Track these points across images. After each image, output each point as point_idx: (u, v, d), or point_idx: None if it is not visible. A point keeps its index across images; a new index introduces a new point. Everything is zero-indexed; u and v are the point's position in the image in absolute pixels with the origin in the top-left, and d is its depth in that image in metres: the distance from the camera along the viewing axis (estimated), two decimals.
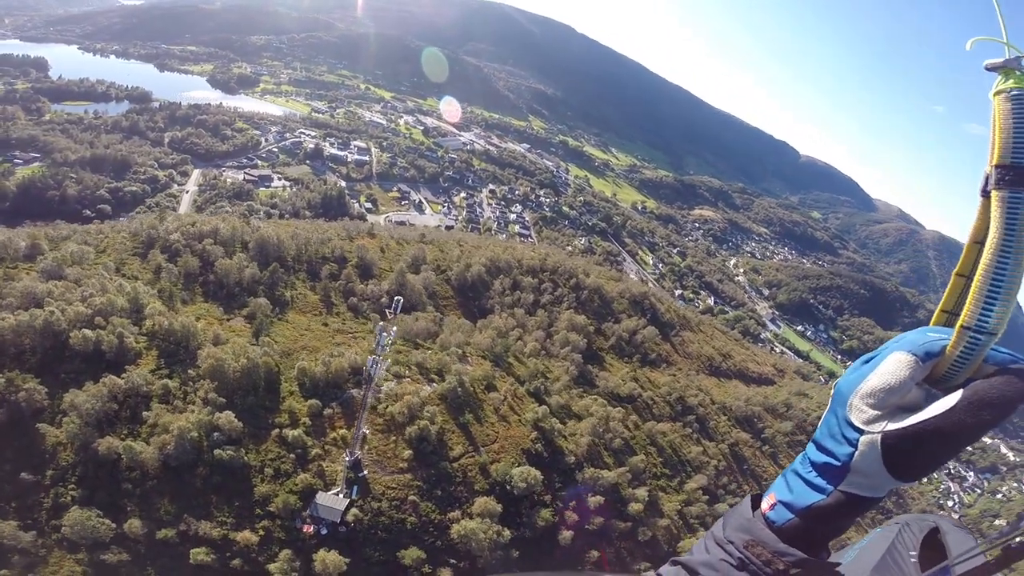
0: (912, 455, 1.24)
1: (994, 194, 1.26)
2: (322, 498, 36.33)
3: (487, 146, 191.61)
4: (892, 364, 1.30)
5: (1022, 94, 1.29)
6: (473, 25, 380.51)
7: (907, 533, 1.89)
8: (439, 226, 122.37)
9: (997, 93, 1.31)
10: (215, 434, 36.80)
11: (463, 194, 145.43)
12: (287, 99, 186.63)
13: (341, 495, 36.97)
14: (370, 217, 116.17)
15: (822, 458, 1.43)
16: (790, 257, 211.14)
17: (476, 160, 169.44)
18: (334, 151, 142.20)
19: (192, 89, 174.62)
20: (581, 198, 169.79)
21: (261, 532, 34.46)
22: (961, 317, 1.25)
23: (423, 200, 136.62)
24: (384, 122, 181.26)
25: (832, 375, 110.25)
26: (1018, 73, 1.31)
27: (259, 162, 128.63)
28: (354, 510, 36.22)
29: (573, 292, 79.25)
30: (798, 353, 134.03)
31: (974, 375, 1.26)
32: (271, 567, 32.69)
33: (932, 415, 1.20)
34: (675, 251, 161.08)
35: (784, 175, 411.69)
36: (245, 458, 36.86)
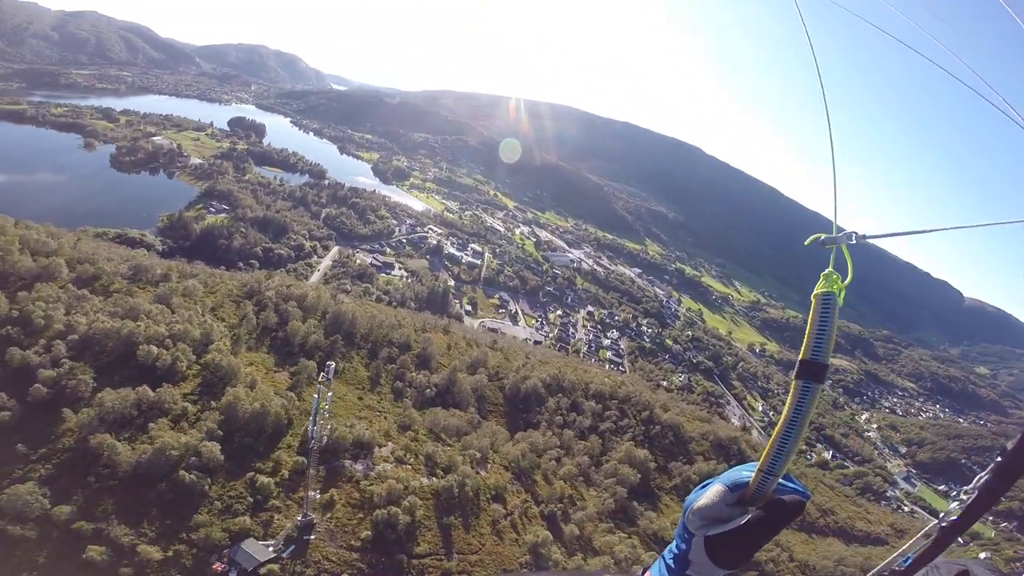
0: (725, 551, 1.87)
1: (794, 382, 1.79)
2: (248, 544, 38.19)
3: (595, 266, 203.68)
4: (712, 491, 1.93)
5: (828, 298, 1.73)
6: (597, 142, 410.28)
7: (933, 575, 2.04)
8: (527, 339, 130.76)
9: (815, 295, 1.78)
10: (193, 458, 41.41)
11: (559, 311, 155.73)
12: (428, 195, 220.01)
13: (271, 548, 38.70)
14: (467, 319, 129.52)
15: (676, 550, 2.08)
16: (941, 415, 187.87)
17: (580, 279, 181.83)
18: (452, 250, 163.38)
19: (358, 174, 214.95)
20: (689, 332, 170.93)
21: (169, 553, 36.79)
22: (760, 462, 1.81)
23: (519, 311, 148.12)
24: (502, 229, 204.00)
25: (976, 537, 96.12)
26: (835, 277, 1.76)
27: (388, 249, 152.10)
28: (274, 567, 37.88)
29: (642, 425, 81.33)
30: (933, 513, 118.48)
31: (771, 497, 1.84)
32: None
33: (733, 526, 1.82)
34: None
35: (943, 322, 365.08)
36: (207, 487, 40.59)
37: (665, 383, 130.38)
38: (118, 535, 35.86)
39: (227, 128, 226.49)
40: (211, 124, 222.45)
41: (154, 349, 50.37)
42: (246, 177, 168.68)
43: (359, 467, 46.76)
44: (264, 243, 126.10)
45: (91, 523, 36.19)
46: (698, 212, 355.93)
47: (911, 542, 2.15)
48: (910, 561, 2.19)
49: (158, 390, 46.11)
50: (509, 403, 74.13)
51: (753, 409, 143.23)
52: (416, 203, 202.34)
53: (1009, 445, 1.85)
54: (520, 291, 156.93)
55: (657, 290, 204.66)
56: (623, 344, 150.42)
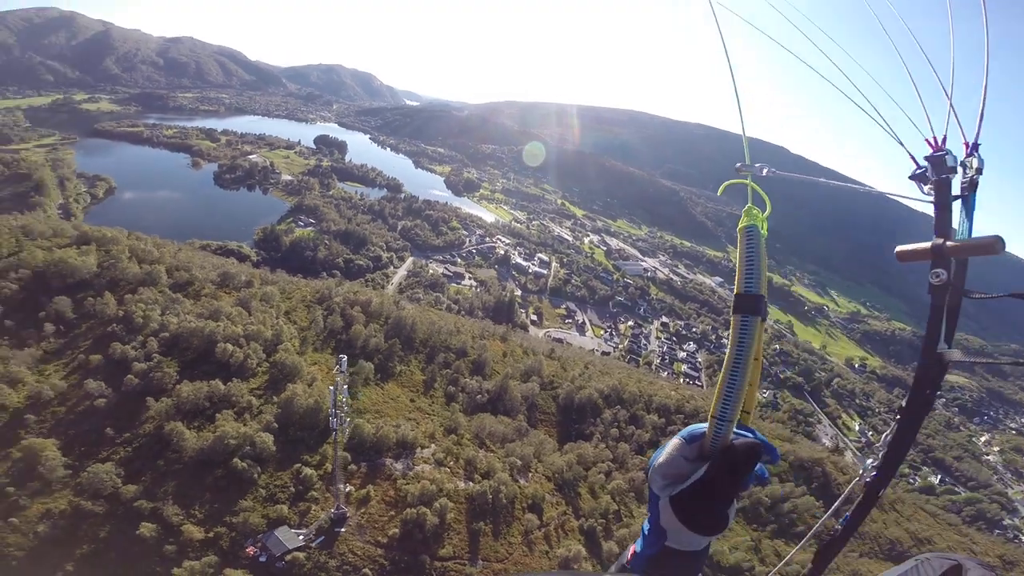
0: (691, 510, 1.80)
1: (732, 318, 1.81)
2: (281, 531, 40.64)
3: (671, 275, 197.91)
4: (669, 446, 1.89)
5: (752, 230, 1.85)
6: (671, 146, 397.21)
7: (925, 569, 1.92)
8: (594, 350, 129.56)
9: (739, 230, 1.88)
10: (247, 447, 45.29)
11: (630, 322, 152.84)
12: (496, 206, 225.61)
13: (301, 537, 40.98)
14: (532, 329, 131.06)
15: (650, 520, 2.03)
16: None
17: (654, 288, 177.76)
18: (519, 260, 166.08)
19: (432, 186, 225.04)
20: (777, 346, 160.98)
21: (210, 534, 40.00)
22: (711, 410, 1.77)
23: (587, 321, 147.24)
24: (570, 238, 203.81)
25: None
26: (756, 210, 1.88)
27: (458, 259, 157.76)
28: (301, 555, 39.92)
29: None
30: None
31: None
32: (186, 565, 37.55)
33: (694, 480, 1.78)
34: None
35: None
36: (256, 475, 44.10)
37: None
38: (170, 514, 39.98)
39: (313, 146, 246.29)
40: (299, 142, 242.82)
41: (230, 347, 56.40)
42: (330, 192, 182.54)
43: (399, 466, 48.93)
44: (346, 254, 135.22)
45: (151, 502, 40.63)
46: (787, 216, 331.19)
47: (840, 500, 2.50)
48: (848, 519, 2.34)
49: (228, 384, 51.48)
50: (562, 413, 73.83)
51: (848, 429, 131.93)
52: (485, 214, 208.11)
53: (904, 403, 2.09)
54: (588, 301, 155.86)
55: None
56: (700, 357, 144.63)
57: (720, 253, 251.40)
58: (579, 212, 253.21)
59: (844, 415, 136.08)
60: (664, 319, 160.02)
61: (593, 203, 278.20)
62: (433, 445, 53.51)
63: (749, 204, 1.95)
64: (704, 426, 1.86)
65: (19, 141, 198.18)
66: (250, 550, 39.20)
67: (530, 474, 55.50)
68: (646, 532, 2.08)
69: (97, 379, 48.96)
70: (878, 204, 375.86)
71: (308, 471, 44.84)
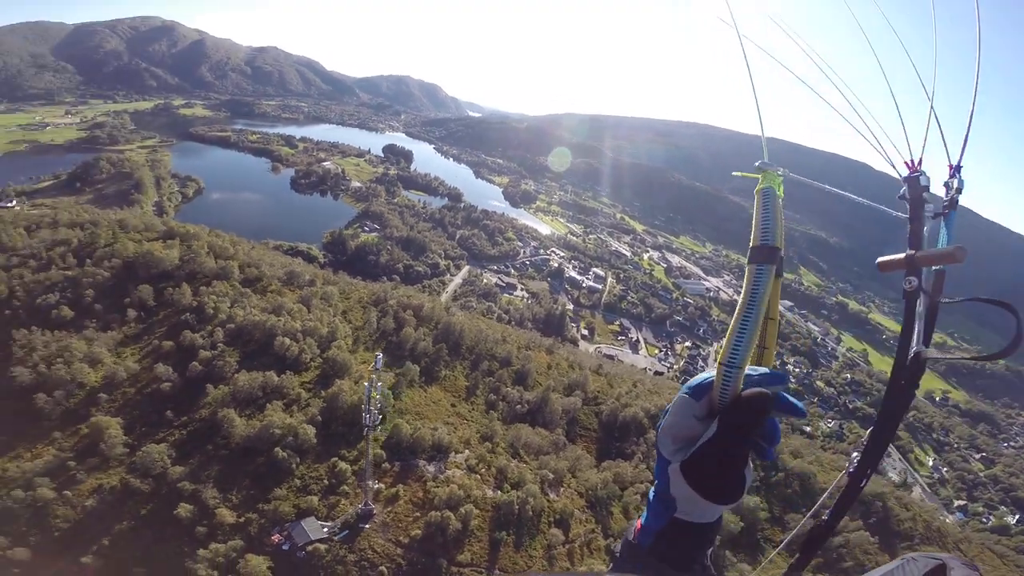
0: (705, 475, 1.65)
1: (748, 267, 1.87)
2: (308, 522, 41.72)
3: (735, 296, 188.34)
4: (675, 404, 1.76)
5: (768, 191, 1.99)
6: (742, 161, 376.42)
7: (910, 567, 1.87)
8: (646, 369, 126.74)
9: (757, 191, 2.02)
10: (290, 438, 47.26)
11: (688, 343, 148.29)
12: (552, 218, 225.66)
13: (325, 529, 41.94)
14: (582, 344, 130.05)
15: (657, 488, 1.89)
16: None
17: (716, 309, 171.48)
18: (573, 274, 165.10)
19: (490, 197, 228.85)
20: (847, 375, 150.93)
21: (240, 519, 41.71)
22: (719, 356, 1.71)
23: (641, 339, 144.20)
24: (628, 254, 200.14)
25: None
26: (772, 173, 2.05)
27: (512, 270, 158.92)
28: (322, 547, 40.79)
29: (762, 470, 74.19)
30: None
31: None
32: (211, 547, 38.89)
33: (705, 439, 1.63)
34: (977, 456, 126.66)
35: None
36: (294, 465, 46.03)
37: (808, 428, 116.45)
38: (207, 497, 42.24)
39: (381, 154, 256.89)
40: (368, 151, 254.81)
41: (287, 341, 59.88)
42: (395, 200, 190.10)
43: (432, 468, 49.53)
44: (406, 260, 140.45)
45: (193, 484, 43.11)
46: (868, 237, 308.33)
47: (826, 495, 2.67)
48: (832, 511, 2.42)
49: (281, 376, 54.44)
50: (603, 430, 72.40)
51: (920, 464, 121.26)
52: (541, 226, 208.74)
53: (878, 411, 2.23)
54: (644, 319, 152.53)
55: (811, 326, 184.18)
56: None
57: (790, 275, 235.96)
58: (639, 227, 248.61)
59: (917, 449, 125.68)
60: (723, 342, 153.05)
61: (655, 218, 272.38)
62: (467, 451, 53.77)
63: (766, 170, 2.09)
64: (709, 375, 1.76)
65: (124, 142, 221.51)
66: (275, 538, 40.73)
67: (561, 489, 54.68)
68: (652, 502, 1.98)
69: (166, 364, 53.47)
70: (976, 227, 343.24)
71: (343, 465, 46.42)
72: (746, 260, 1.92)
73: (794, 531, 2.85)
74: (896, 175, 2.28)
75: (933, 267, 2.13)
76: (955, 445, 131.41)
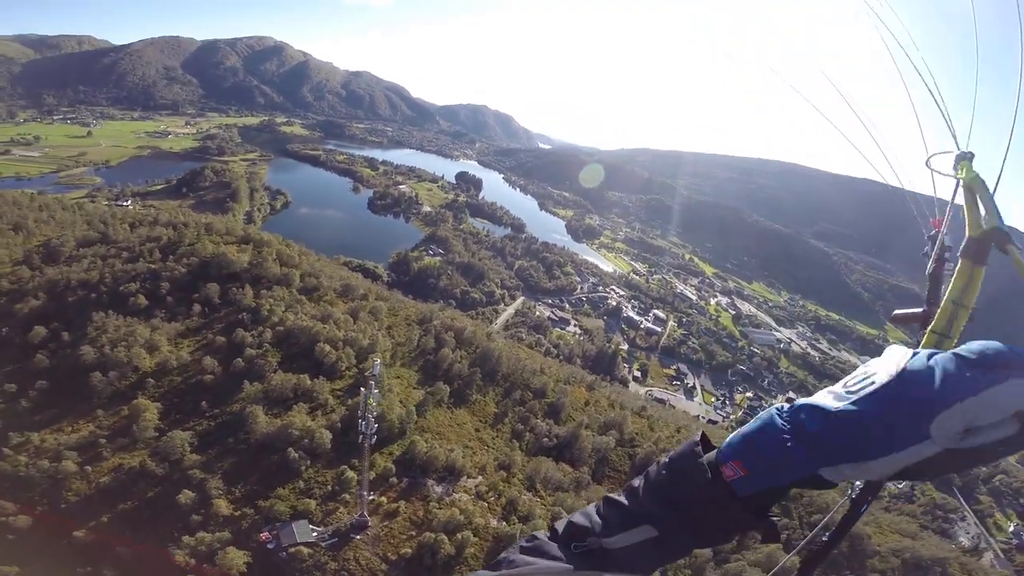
0: (964, 463, 1.32)
1: (962, 261, 1.90)
2: (300, 524, 41.77)
3: (809, 349, 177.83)
4: (998, 389, 1.25)
5: (978, 178, 1.94)
6: (829, 203, 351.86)
7: None
8: (699, 416, 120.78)
9: (969, 179, 1.97)
10: (306, 440, 48.36)
11: (749, 393, 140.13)
12: (616, 255, 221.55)
13: (315, 534, 41.97)
14: (632, 385, 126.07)
15: (834, 437, 1.42)
16: None
17: (785, 361, 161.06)
18: (631, 314, 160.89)
19: (553, 230, 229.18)
20: None
21: (236, 513, 42.45)
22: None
23: (698, 386, 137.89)
24: (694, 297, 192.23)
25: None
26: (967, 163, 2.00)
27: (567, 305, 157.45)
28: (306, 550, 40.80)
29: (808, 529, 68.15)
30: None
31: None
32: (198, 535, 39.56)
33: (1002, 436, 1.25)
34: None
35: None
36: (303, 468, 46.80)
37: None
38: (211, 487, 43.42)
39: (453, 181, 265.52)
40: (442, 177, 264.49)
41: (327, 348, 62.12)
42: (461, 226, 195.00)
43: (439, 489, 48.76)
44: (463, 286, 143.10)
45: (203, 473, 44.61)
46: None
47: (827, 518, 2.65)
48: (830, 535, 2.34)
49: (314, 381, 56.24)
50: (635, 473, 68.29)
51: (999, 529, 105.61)
52: (603, 262, 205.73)
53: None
54: (704, 365, 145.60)
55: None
56: None
57: (874, 331, 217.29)
58: (709, 270, 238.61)
59: (998, 514, 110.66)
60: (792, 395, 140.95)
61: (727, 261, 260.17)
62: (480, 477, 52.84)
63: (964, 160, 2.08)
64: (1003, 347, 1.33)
65: (230, 154, 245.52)
66: (264, 535, 41.30)
67: None
68: (792, 448, 1.50)
69: (214, 358, 57.14)
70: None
71: (351, 474, 46.67)
72: (961, 253, 1.95)
73: (791, 553, 2.78)
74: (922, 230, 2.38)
75: None
76: None
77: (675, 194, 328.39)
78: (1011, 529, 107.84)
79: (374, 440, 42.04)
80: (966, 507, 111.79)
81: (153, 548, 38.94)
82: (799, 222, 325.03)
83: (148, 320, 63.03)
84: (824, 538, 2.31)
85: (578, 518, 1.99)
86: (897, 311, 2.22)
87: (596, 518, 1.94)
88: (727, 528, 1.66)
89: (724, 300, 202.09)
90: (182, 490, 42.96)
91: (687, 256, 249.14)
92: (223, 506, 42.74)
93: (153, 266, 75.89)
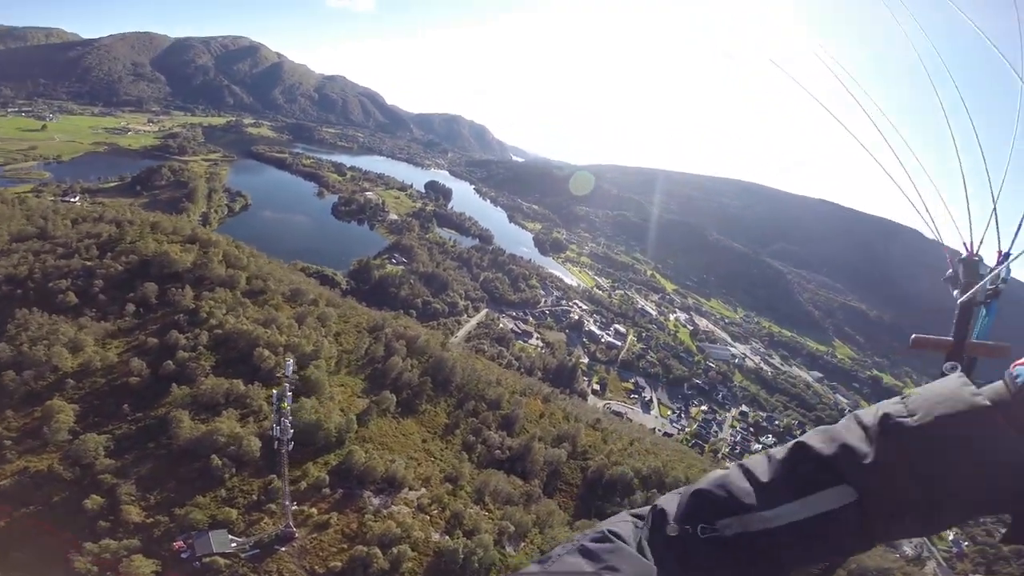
0: None
1: None
2: (217, 533, 39.90)
3: (762, 364, 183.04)
4: None
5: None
6: (787, 223, 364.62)
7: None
8: (655, 429, 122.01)
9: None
10: (232, 448, 46.15)
11: (704, 407, 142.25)
12: (581, 270, 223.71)
13: (234, 544, 40.18)
14: (592, 399, 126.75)
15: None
16: None
17: (740, 376, 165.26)
18: (593, 328, 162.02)
19: (520, 242, 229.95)
20: None
21: (148, 521, 40.23)
22: None
23: (655, 399, 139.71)
24: (654, 313, 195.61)
25: None
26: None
27: (530, 318, 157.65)
28: (223, 560, 38.98)
29: None
30: None
31: None
32: (101, 543, 37.56)
33: None
34: (1003, 530, 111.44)
35: None
36: (228, 476, 44.51)
37: None
38: (122, 493, 41.11)
39: (423, 190, 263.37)
40: (411, 185, 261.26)
41: (266, 353, 59.70)
42: (427, 235, 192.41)
43: (376, 501, 47.21)
44: (425, 296, 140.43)
45: (116, 479, 42.37)
46: (911, 315, 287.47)
47: None
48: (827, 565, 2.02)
49: (248, 387, 53.88)
50: (587, 487, 68.71)
51: (939, 538, 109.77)
52: (567, 276, 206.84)
53: None
54: (661, 379, 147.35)
55: (840, 398, 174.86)
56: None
57: (824, 347, 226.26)
58: (670, 286, 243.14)
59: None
60: (744, 408, 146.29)
61: (687, 278, 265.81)
62: (424, 489, 51.23)
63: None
64: None
65: (192, 153, 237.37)
66: (178, 544, 39.43)
67: (522, 544, 51.00)
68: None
69: (143, 360, 54.16)
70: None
71: (279, 483, 44.32)
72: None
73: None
74: (947, 256, 2.23)
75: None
76: (980, 520, 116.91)
77: (642, 211, 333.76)
78: (951, 539, 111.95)
79: (291, 446, 39.95)
80: None
81: (55, 555, 36.38)
82: (757, 241, 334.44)
83: (76, 319, 59.57)
84: (818, 569, 2.06)
85: (711, 485, 1.46)
86: (918, 335, 2.08)
87: (744, 484, 1.41)
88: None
89: (683, 316, 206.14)
90: (90, 495, 40.54)
91: (649, 272, 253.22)
92: (133, 513, 40.41)
93: (89, 263, 72.13)
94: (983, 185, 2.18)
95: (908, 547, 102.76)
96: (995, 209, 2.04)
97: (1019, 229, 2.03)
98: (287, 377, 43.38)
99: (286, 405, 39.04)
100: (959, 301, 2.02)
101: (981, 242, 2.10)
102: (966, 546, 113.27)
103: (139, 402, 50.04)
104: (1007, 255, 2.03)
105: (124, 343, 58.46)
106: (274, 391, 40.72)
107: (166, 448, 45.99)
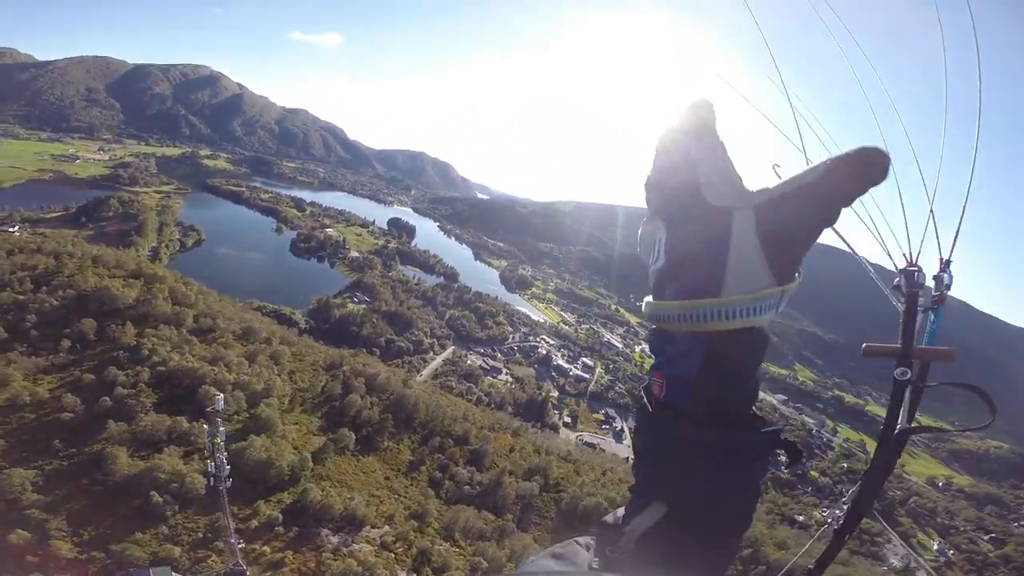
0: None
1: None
2: (159, 570, 37.62)
3: None
4: None
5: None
6: None
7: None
8: (628, 459, 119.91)
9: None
10: (174, 484, 43.48)
11: None
12: (547, 306, 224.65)
13: None
14: (563, 431, 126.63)
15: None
16: None
17: None
18: (561, 362, 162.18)
19: (487, 280, 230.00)
20: (844, 464, 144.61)
21: (82, 556, 37.50)
22: None
23: (626, 428, 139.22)
24: (620, 345, 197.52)
25: None
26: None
27: (499, 354, 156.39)
28: None
29: (741, 563, 67.94)
30: None
31: None
32: None
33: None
34: (986, 538, 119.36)
35: None
36: (170, 513, 41.94)
37: (802, 518, 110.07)
38: (52, 528, 38.04)
39: (386, 227, 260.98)
40: (373, 222, 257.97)
41: (213, 390, 55.91)
42: (390, 273, 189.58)
43: (335, 539, 44.62)
44: (389, 334, 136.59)
45: (45, 513, 39.01)
46: (862, 334, 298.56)
47: (809, 544, 2.54)
48: (815, 564, 2.24)
49: (193, 424, 50.16)
50: (562, 519, 66.93)
51: (924, 548, 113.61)
52: (534, 312, 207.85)
53: (866, 467, 2.17)
54: (630, 408, 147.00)
55: (806, 419, 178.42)
56: None
57: (785, 371, 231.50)
58: (634, 319, 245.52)
59: (920, 534, 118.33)
60: None
61: None
62: (387, 527, 48.81)
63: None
64: None
65: (143, 185, 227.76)
66: None
67: None
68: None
69: (77, 396, 50.14)
70: (973, 323, 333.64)
71: (225, 522, 41.29)
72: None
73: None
74: (892, 267, 2.24)
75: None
76: (962, 528, 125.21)
77: (604, 247, 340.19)
78: (935, 548, 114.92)
79: (230, 483, 37.04)
80: (889, 530, 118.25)
81: None
82: None
83: (4, 353, 55.14)
84: (810, 566, 2.22)
85: (608, 516, 1.63)
86: (869, 344, 2.13)
87: (621, 511, 1.58)
88: (714, 465, 1.26)
89: (647, 347, 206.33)
90: (15, 530, 37.08)
91: (613, 307, 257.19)
92: (64, 548, 37.06)
93: (21, 297, 67.39)
94: (919, 194, 2.21)
95: (895, 559, 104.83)
96: (932, 212, 2.07)
97: (957, 235, 2.14)
98: (217, 412, 40.92)
99: (219, 441, 36.56)
100: (902, 311, 2.08)
101: (919, 252, 2.13)
102: (952, 554, 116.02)
103: (72, 438, 46.19)
104: (948, 262, 2.13)
105: (57, 379, 53.94)
106: (205, 427, 38.21)
107: (102, 484, 42.58)
